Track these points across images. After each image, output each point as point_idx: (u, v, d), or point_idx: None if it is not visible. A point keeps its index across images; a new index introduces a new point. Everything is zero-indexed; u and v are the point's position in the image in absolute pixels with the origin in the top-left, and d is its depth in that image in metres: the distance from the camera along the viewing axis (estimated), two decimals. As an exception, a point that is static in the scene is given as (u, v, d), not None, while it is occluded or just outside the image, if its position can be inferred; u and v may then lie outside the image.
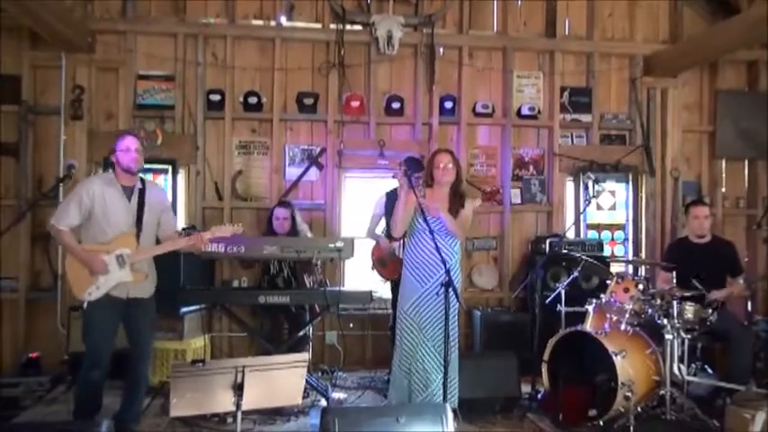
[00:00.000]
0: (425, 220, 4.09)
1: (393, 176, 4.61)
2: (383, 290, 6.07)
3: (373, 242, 5.72)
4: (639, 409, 4.53)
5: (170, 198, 6.19)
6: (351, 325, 6.48)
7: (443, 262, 3.95)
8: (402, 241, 4.92)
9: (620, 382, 4.41)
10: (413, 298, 4.34)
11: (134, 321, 4.22)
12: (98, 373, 4.13)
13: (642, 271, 6.72)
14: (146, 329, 4.31)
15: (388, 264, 5.49)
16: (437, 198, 4.35)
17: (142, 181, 4.30)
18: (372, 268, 5.74)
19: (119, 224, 4.12)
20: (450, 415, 3.25)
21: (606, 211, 7.05)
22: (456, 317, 4.26)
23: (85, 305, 4.06)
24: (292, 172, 6.63)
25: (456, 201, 4.45)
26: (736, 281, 5.28)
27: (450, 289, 3.81)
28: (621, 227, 7.07)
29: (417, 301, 4.32)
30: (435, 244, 4.00)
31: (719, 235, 5.93)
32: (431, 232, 4.04)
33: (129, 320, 4.21)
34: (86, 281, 4.03)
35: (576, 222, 6.76)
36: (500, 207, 6.79)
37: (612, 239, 7.01)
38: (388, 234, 5.49)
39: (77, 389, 4.29)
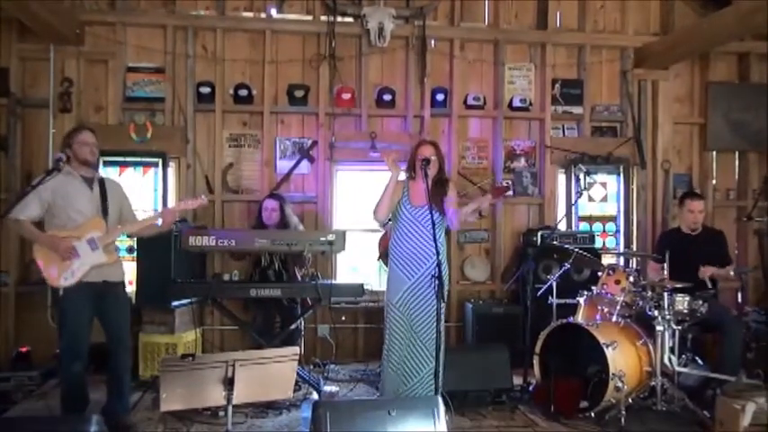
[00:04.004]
0: (431, 212, 4.08)
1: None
2: (376, 283, 6.06)
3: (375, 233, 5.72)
4: (630, 400, 4.57)
5: (160, 191, 6.21)
6: (343, 318, 6.48)
7: (437, 252, 3.96)
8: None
9: (611, 374, 4.43)
10: (400, 291, 4.33)
11: (108, 310, 4.22)
12: (79, 364, 4.13)
13: (633, 263, 6.74)
14: (121, 317, 4.31)
15: None
16: (420, 189, 4.32)
17: (100, 176, 4.36)
18: (378, 258, 5.74)
19: (83, 211, 4.14)
20: (441, 408, 3.24)
21: (597, 203, 7.06)
22: (443, 308, 4.25)
23: (61, 292, 4.04)
24: (283, 165, 6.61)
25: (439, 191, 4.43)
26: (726, 269, 5.31)
27: (438, 281, 3.83)
28: (613, 219, 7.08)
29: (405, 294, 4.32)
30: (433, 233, 4.01)
31: (709, 225, 5.95)
32: (432, 224, 4.03)
33: (103, 311, 4.21)
34: (60, 267, 4.02)
35: (568, 214, 6.76)
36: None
37: (604, 231, 7.03)
38: None
39: (62, 384, 4.29)
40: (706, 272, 5.06)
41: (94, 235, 4.09)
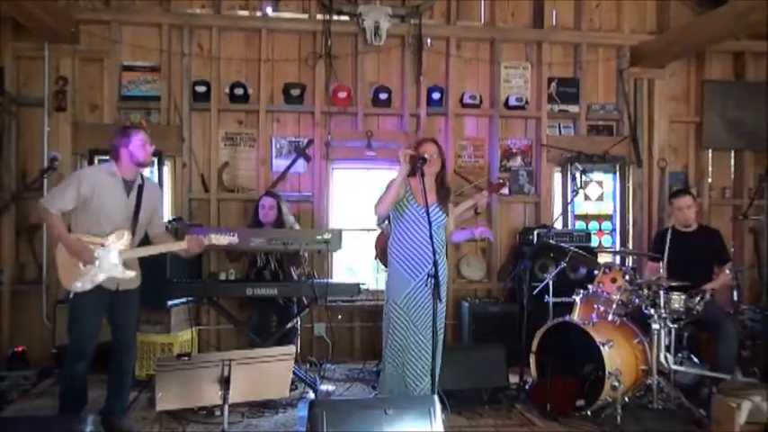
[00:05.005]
0: (427, 211, 4.03)
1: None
2: (372, 282, 6.05)
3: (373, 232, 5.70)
4: (627, 399, 4.58)
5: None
6: (339, 317, 6.47)
7: (434, 251, 3.94)
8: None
9: (607, 372, 4.44)
10: (405, 290, 4.25)
11: (119, 314, 4.17)
12: (82, 366, 4.08)
13: (629, 261, 6.76)
14: (130, 321, 4.28)
15: None
16: (420, 188, 4.27)
17: (141, 177, 4.26)
18: (375, 258, 5.73)
19: (114, 218, 4.06)
20: (438, 406, 3.25)
21: (594, 201, 7.07)
22: (444, 308, 4.24)
23: (71, 295, 3.99)
24: (279, 164, 6.60)
25: (442, 192, 4.41)
26: (722, 269, 5.31)
27: (434, 280, 3.81)
28: (609, 217, 7.10)
29: (409, 294, 4.25)
30: (429, 232, 3.97)
31: (705, 224, 5.96)
32: (429, 224, 4.00)
33: (113, 313, 4.16)
34: (77, 272, 3.97)
35: (564, 213, 6.77)
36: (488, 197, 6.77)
37: (600, 230, 7.04)
38: None
39: (62, 383, 4.25)
40: (708, 287, 5.03)
41: (118, 248, 4.04)
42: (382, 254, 5.58)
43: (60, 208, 3.99)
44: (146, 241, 4.33)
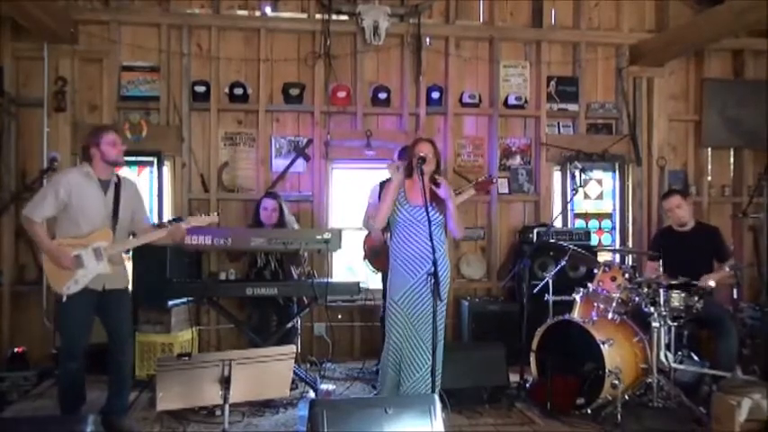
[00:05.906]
0: (426, 210, 4.04)
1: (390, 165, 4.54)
2: (372, 281, 6.04)
3: (365, 231, 5.70)
4: (627, 397, 4.59)
5: (156, 190, 6.20)
6: (339, 316, 6.48)
7: (433, 251, 3.94)
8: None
9: (607, 371, 4.44)
10: (403, 289, 4.28)
11: (109, 314, 4.21)
12: (75, 365, 4.12)
13: (629, 260, 6.76)
14: (123, 321, 4.31)
15: (380, 254, 5.44)
16: (417, 187, 4.28)
17: (117, 176, 4.30)
18: (364, 259, 5.72)
19: (94, 218, 4.10)
20: (438, 405, 3.25)
21: (593, 200, 7.09)
22: (444, 307, 4.25)
23: (64, 299, 4.03)
24: (279, 163, 6.60)
25: (433, 190, 4.40)
26: (723, 265, 5.31)
27: (435, 279, 3.82)
28: (608, 216, 7.11)
29: (408, 293, 4.27)
30: (429, 231, 3.98)
31: (704, 221, 5.96)
32: (429, 222, 4.00)
33: (103, 313, 4.20)
34: (65, 275, 4.01)
35: (564, 212, 6.77)
36: (487, 197, 6.78)
37: (600, 228, 7.05)
38: None
39: (59, 383, 4.30)
40: (707, 280, 5.03)
41: (101, 245, 4.06)
42: (371, 254, 5.60)
43: (42, 216, 4.04)
44: None
